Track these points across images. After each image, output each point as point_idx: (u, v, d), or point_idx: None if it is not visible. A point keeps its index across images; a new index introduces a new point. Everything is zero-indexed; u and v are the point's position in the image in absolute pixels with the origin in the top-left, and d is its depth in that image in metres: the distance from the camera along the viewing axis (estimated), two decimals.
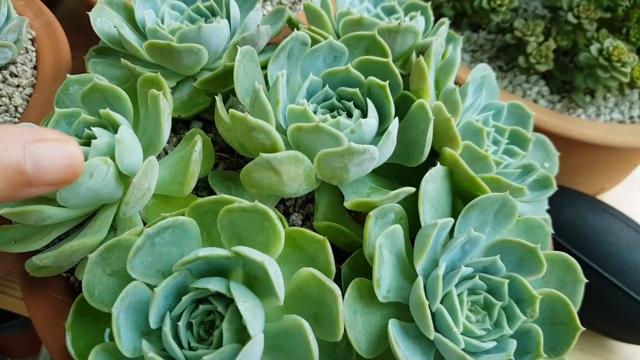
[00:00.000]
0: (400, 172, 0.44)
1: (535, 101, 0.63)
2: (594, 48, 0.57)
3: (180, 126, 0.49)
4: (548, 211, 0.51)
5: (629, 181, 0.82)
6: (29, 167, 0.25)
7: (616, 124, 0.62)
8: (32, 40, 0.56)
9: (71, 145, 0.27)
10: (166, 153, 0.45)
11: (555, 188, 0.46)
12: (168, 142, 0.47)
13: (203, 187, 0.43)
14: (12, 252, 0.37)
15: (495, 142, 0.47)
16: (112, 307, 0.31)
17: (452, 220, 0.36)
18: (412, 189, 0.38)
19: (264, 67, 0.45)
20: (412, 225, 0.40)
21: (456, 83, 0.48)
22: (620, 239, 0.59)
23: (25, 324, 0.96)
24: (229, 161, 0.45)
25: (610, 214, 0.61)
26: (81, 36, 0.60)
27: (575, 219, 0.60)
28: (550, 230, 0.43)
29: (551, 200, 0.55)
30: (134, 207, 0.36)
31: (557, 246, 0.60)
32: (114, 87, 0.40)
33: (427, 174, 0.38)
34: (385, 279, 0.34)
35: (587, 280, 0.39)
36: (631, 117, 0.64)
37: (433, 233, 0.34)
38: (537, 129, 0.59)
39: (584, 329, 0.36)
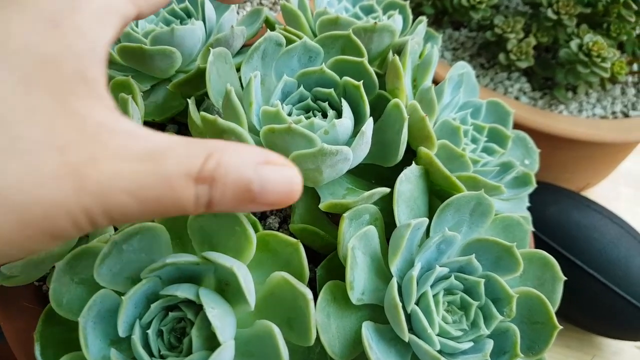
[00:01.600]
0: (378, 172, 0.43)
1: (517, 98, 0.63)
2: (573, 44, 0.57)
3: (155, 130, 0.48)
4: (531, 208, 0.51)
5: (616, 176, 0.82)
6: (256, 187, 0.26)
7: (599, 120, 0.62)
8: None
9: (294, 171, 0.28)
10: None
11: (534, 185, 0.46)
12: None
13: None
14: None
15: (474, 140, 0.46)
16: (79, 317, 0.31)
17: (426, 220, 0.36)
18: (387, 190, 0.37)
19: (238, 68, 0.44)
20: (389, 225, 0.39)
21: (436, 82, 0.47)
22: (604, 235, 0.59)
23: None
24: None
25: (594, 210, 0.61)
26: None
27: (559, 215, 0.60)
28: (529, 228, 0.42)
29: (535, 197, 0.55)
30: None
31: (540, 243, 0.60)
32: None
33: (401, 174, 0.38)
34: (359, 281, 0.34)
35: (565, 278, 0.39)
36: (614, 113, 0.64)
37: (407, 233, 0.34)
38: (519, 126, 0.58)
39: (562, 327, 0.36)
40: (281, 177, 0.28)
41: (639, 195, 0.84)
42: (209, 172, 0.25)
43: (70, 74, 0.25)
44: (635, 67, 0.66)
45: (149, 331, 0.31)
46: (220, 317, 0.30)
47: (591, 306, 0.59)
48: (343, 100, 0.40)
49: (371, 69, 0.41)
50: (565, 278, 0.38)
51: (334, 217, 0.42)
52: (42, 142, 0.23)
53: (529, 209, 0.50)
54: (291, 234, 0.40)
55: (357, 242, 0.34)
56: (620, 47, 0.66)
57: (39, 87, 0.23)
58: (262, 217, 0.43)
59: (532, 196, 0.51)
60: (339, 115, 0.40)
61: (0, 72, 0.23)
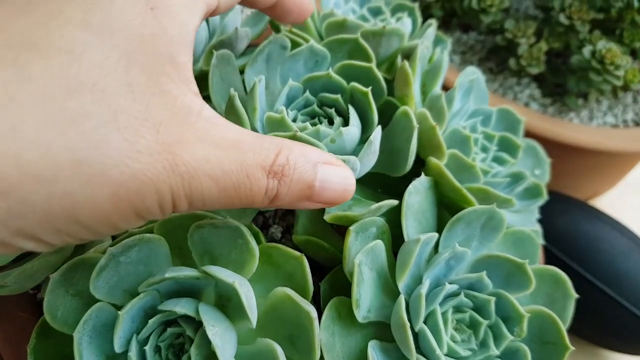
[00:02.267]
0: (385, 181, 0.42)
1: (526, 104, 0.62)
2: (586, 50, 0.56)
3: None
4: (540, 219, 0.49)
5: (623, 185, 0.81)
6: (317, 185, 0.29)
7: (609, 129, 0.61)
8: None
9: (349, 172, 0.31)
10: None
11: (545, 197, 0.45)
12: None
13: None
14: None
15: (484, 149, 0.45)
16: (74, 331, 0.29)
17: (436, 235, 0.35)
18: (395, 202, 0.36)
19: (242, 70, 0.43)
20: (397, 237, 0.38)
21: (445, 86, 0.46)
22: (614, 247, 0.57)
23: None
24: None
25: (603, 222, 0.60)
26: None
27: (568, 226, 0.59)
28: (540, 242, 0.41)
29: (543, 207, 0.53)
30: None
31: (549, 255, 0.59)
32: None
33: (410, 186, 0.36)
34: (365, 298, 0.33)
35: (577, 296, 0.37)
36: (625, 121, 0.63)
37: (416, 249, 0.33)
38: (528, 134, 0.57)
39: (574, 348, 0.35)
40: (338, 178, 0.30)
41: None
42: (279, 168, 0.27)
43: (164, 56, 0.25)
44: None
45: (147, 347, 0.30)
46: (221, 335, 0.29)
47: (599, 319, 0.57)
48: (350, 107, 0.39)
49: (379, 75, 0.40)
50: (577, 296, 0.37)
51: (338, 228, 0.41)
52: (140, 118, 0.23)
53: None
54: (294, 244, 0.39)
55: (363, 257, 0.32)
56: (633, 53, 0.65)
57: (137, 66, 0.24)
58: (265, 226, 0.42)
59: (540, 205, 0.50)
60: (345, 121, 0.39)
61: (104, 49, 0.24)
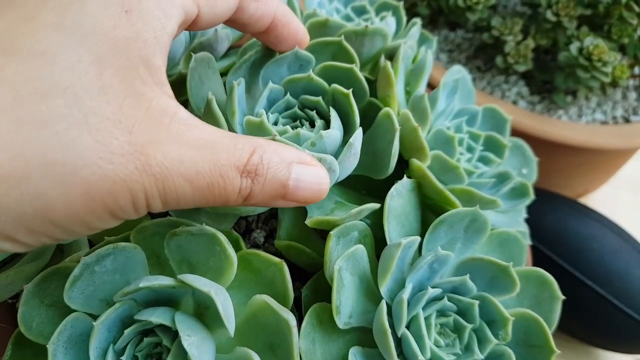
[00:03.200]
0: (369, 183, 0.42)
1: (514, 102, 0.61)
2: (573, 47, 0.55)
3: None
4: (529, 217, 0.49)
5: (616, 180, 0.80)
6: (290, 184, 0.29)
7: (598, 125, 0.60)
8: None
9: (323, 172, 0.31)
10: None
11: (532, 197, 0.44)
12: None
13: None
14: None
15: (470, 149, 0.45)
16: (49, 343, 0.29)
17: (418, 238, 0.34)
18: (377, 206, 0.35)
19: (224, 73, 0.42)
20: (381, 240, 0.37)
21: (432, 85, 0.45)
22: (604, 245, 0.57)
23: None
24: None
25: (593, 219, 0.59)
26: None
27: (557, 224, 0.58)
28: (526, 242, 0.41)
29: (532, 205, 0.53)
30: None
31: (538, 254, 0.58)
32: None
33: (392, 189, 0.36)
34: (346, 304, 0.32)
35: (564, 297, 0.37)
36: (614, 118, 0.62)
37: (397, 254, 0.32)
38: (516, 132, 0.57)
39: (559, 352, 0.34)
40: (312, 177, 0.30)
41: (638, 200, 0.82)
42: (253, 167, 0.28)
43: (137, 59, 0.26)
44: (637, 70, 0.64)
45: (123, 357, 0.29)
46: (197, 345, 0.28)
47: (589, 318, 0.57)
48: (332, 109, 0.38)
49: (361, 76, 0.39)
50: (564, 297, 0.37)
51: (322, 232, 0.40)
52: (112, 120, 0.24)
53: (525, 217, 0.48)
54: (277, 250, 0.38)
55: (344, 263, 0.32)
56: (622, 49, 0.64)
57: (110, 68, 0.24)
58: (247, 231, 0.41)
59: (529, 204, 0.49)
60: (327, 124, 0.38)
61: (77, 51, 0.24)
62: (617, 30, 0.59)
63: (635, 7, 0.55)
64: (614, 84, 0.58)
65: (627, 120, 0.62)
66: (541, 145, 0.56)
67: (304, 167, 0.30)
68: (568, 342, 0.64)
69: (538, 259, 0.55)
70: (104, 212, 0.24)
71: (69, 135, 0.23)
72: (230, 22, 0.36)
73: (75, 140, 0.23)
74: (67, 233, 0.25)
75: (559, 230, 0.58)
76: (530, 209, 0.51)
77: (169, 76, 0.44)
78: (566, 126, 0.58)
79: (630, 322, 0.55)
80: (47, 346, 0.29)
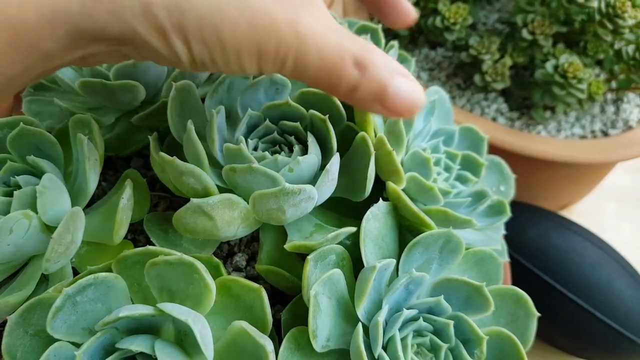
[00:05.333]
0: (350, 205, 0.42)
1: (494, 119, 0.62)
2: (549, 65, 0.56)
3: (121, 163, 0.47)
4: (510, 231, 0.50)
5: (599, 191, 0.82)
6: (391, 90, 0.32)
7: (577, 140, 0.62)
8: None
9: (421, 90, 0.33)
10: (105, 193, 0.43)
11: (509, 214, 0.45)
12: (107, 182, 0.45)
13: (141, 230, 0.41)
14: None
15: (447, 169, 0.46)
16: None
17: (393, 261, 0.35)
18: (353, 229, 0.36)
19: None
20: (359, 261, 0.38)
21: None
22: (585, 258, 0.58)
23: None
24: (170, 200, 0.44)
25: (574, 232, 0.60)
26: None
27: (538, 238, 0.59)
28: (502, 260, 0.41)
29: (513, 219, 0.53)
30: (57, 262, 0.34)
31: (520, 268, 0.59)
32: (41, 132, 0.38)
33: (368, 212, 0.37)
34: (323, 328, 0.33)
35: (539, 314, 0.38)
36: (592, 132, 0.64)
37: (372, 277, 0.33)
38: (496, 149, 0.58)
39: None
40: (411, 90, 0.32)
41: (623, 210, 0.83)
42: (364, 61, 0.30)
43: None
44: (613, 84, 0.65)
45: None
46: None
47: (573, 330, 0.58)
48: (309, 135, 0.39)
49: (338, 101, 0.40)
50: (539, 314, 0.37)
51: (303, 255, 0.41)
52: None
53: (507, 231, 0.49)
54: (258, 274, 0.39)
55: (320, 287, 0.33)
56: (600, 63, 0.66)
57: None
58: (230, 254, 0.42)
59: (510, 218, 0.50)
60: (306, 148, 0.39)
61: None
62: (593, 46, 0.60)
63: (609, 25, 0.56)
64: (591, 99, 0.59)
65: (605, 134, 0.64)
66: (522, 161, 0.57)
67: (405, 79, 0.32)
68: (554, 355, 0.65)
69: (520, 273, 0.56)
70: (254, 50, 0.28)
71: None
72: None
73: None
74: (222, 55, 0.28)
75: (541, 244, 0.59)
76: (512, 223, 0.52)
77: (153, 102, 0.45)
78: (545, 141, 0.60)
79: (613, 333, 0.56)
80: None
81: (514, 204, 0.56)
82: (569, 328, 0.57)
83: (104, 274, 0.31)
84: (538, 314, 0.38)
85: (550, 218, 0.62)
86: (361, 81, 0.31)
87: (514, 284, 0.41)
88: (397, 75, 0.32)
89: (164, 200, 0.43)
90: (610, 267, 0.57)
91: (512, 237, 0.57)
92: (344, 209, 0.43)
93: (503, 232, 0.48)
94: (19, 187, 0.36)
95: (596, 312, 0.55)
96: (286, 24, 0.27)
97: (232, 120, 0.42)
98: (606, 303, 0.55)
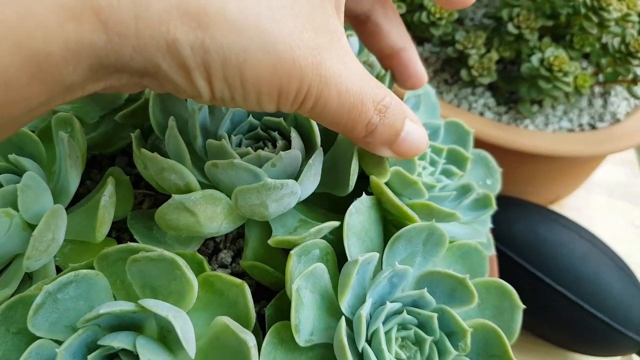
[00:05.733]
0: (333, 200, 0.42)
1: (481, 113, 0.62)
2: (535, 58, 0.56)
3: (106, 162, 0.47)
4: (498, 224, 0.50)
5: (589, 185, 0.82)
6: (402, 135, 0.34)
7: (564, 133, 0.62)
8: None
9: (426, 134, 0.36)
10: (89, 191, 0.43)
11: (494, 207, 0.45)
12: (93, 180, 0.45)
13: (125, 229, 0.41)
14: None
15: (433, 163, 0.46)
16: None
17: (376, 254, 0.35)
18: (337, 223, 0.36)
19: None
20: (343, 256, 0.38)
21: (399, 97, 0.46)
22: (573, 251, 0.58)
23: None
24: (154, 198, 0.43)
25: (562, 225, 0.60)
26: None
27: (526, 232, 0.59)
28: (488, 253, 0.42)
29: (501, 213, 0.54)
30: (39, 260, 0.34)
31: (508, 261, 0.59)
32: (24, 131, 0.38)
33: (351, 206, 0.37)
34: (306, 322, 0.33)
35: (524, 306, 0.38)
36: (580, 125, 0.64)
37: (354, 271, 0.33)
38: (483, 143, 0.58)
39: None
40: (418, 135, 0.35)
41: (612, 203, 0.84)
42: (384, 107, 0.32)
43: None
44: (601, 77, 0.65)
45: None
46: None
47: (562, 323, 0.58)
48: (293, 130, 0.39)
49: None
50: (524, 306, 0.38)
51: (289, 250, 0.41)
52: (307, 16, 0.28)
53: (495, 225, 0.49)
54: (243, 270, 0.39)
55: (303, 282, 0.33)
56: (587, 57, 0.66)
57: None
58: (215, 251, 0.42)
59: (498, 212, 0.50)
60: (289, 144, 0.39)
61: None
62: (579, 40, 0.60)
63: (594, 18, 0.57)
64: (578, 92, 0.59)
65: (593, 127, 0.64)
66: (509, 155, 0.57)
67: (414, 125, 0.35)
68: (544, 347, 0.65)
69: (508, 266, 0.56)
70: (275, 91, 0.28)
71: (279, 13, 0.26)
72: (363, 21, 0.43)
73: (283, 18, 0.26)
74: (242, 94, 0.28)
75: (529, 238, 0.59)
76: (500, 217, 0.52)
77: (135, 100, 0.45)
78: (533, 135, 0.60)
79: (601, 325, 0.56)
80: None
81: (502, 198, 0.56)
82: (558, 320, 0.57)
83: (84, 270, 0.31)
84: (523, 306, 0.38)
85: (538, 211, 0.62)
86: (378, 127, 0.32)
87: (502, 277, 0.41)
88: (407, 121, 0.34)
89: (148, 198, 0.43)
90: (598, 260, 0.58)
91: (500, 231, 0.58)
92: (329, 204, 0.43)
93: (490, 225, 0.48)
94: (0, 185, 0.36)
95: (584, 304, 0.56)
96: (310, 67, 0.28)
97: (215, 116, 0.42)
98: (594, 295, 0.56)
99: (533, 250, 0.58)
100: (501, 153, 0.50)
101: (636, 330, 0.56)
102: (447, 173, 0.46)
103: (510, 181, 0.56)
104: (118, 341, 0.30)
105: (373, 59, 0.48)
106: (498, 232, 0.51)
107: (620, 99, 0.67)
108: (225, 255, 0.41)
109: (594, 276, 0.56)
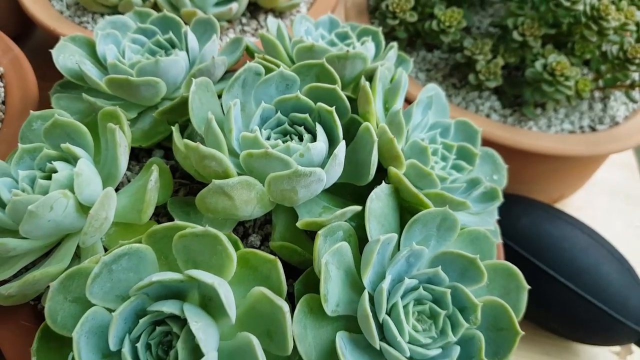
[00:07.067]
0: (353, 190, 0.46)
1: (487, 116, 0.66)
2: (538, 64, 0.60)
3: (142, 154, 0.51)
4: (504, 220, 0.53)
5: (590, 186, 0.85)
6: None
7: (566, 134, 0.66)
8: (0, 77, 0.58)
9: None
10: (129, 181, 0.47)
11: (501, 199, 0.49)
12: (130, 171, 0.49)
13: (164, 213, 0.45)
14: None
15: (444, 158, 0.49)
16: (73, 332, 0.33)
17: (395, 235, 0.39)
18: (359, 208, 0.40)
19: (221, 95, 0.47)
20: (364, 240, 0.42)
21: (411, 102, 0.50)
22: (574, 244, 0.62)
23: None
24: (189, 187, 0.47)
25: (564, 221, 0.64)
26: (53, 68, 0.62)
27: (530, 227, 0.63)
28: (496, 240, 0.45)
29: (507, 209, 0.57)
30: (93, 237, 0.38)
31: (513, 254, 0.63)
32: (74, 122, 0.42)
33: (372, 193, 0.41)
34: (333, 294, 0.36)
35: (529, 287, 0.41)
36: (581, 127, 0.67)
37: (376, 248, 0.37)
38: (489, 142, 0.61)
39: (524, 333, 0.38)
40: None
41: (613, 204, 0.87)
42: None
43: None
44: (600, 83, 0.69)
45: (138, 345, 0.34)
46: (204, 329, 0.32)
47: (565, 314, 0.61)
48: (317, 125, 0.43)
49: (343, 95, 0.44)
50: (530, 287, 0.41)
51: (312, 234, 0.45)
52: None
53: (501, 221, 0.53)
54: (272, 251, 0.42)
55: (330, 257, 0.36)
56: (587, 64, 0.70)
57: None
58: (244, 236, 0.46)
59: (505, 209, 0.53)
60: (314, 138, 0.43)
61: None
62: (580, 47, 0.64)
63: (594, 27, 0.60)
64: (579, 96, 0.63)
65: (593, 129, 0.67)
66: (514, 155, 0.61)
67: None
68: (548, 338, 0.69)
69: (514, 259, 0.59)
70: None
71: None
72: None
73: None
74: None
75: (533, 232, 0.63)
76: (506, 213, 0.55)
77: (172, 99, 0.49)
78: (536, 136, 0.63)
79: (601, 314, 0.59)
80: (73, 334, 0.33)
81: (508, 196, 0.59)
82: (560, 310, 0.61)
83: (137, 244, 0.35)
84: (529, 287, 0.41)
85: (542, 208, 0.66)
86: None
87: None
88: None
89: (184, 187, 0.47)
90: (598, 253, 0.61)
91: (507, 226, 0.61)
92: (348, 194, 0.47)
93: (496, 217, 0.51)
94: (53, 172, 0.40)
95: (585, 294, 0.59)
96: None
97: (246, 112, 0.46)
98: (595, 286, 0.59)
99: (537, 244, 0.62)
100: (507, 153, 0.54)
101: (634, 320, 0.59)
102: (457, 168, 0.49)
103: (516, 181, 0.60)
104: (167, 307, 0.33)
105: (389, 63, 0.52)
106: (504, 227, 0.55)
107: (619, 104, 0.71)
108: (255, 239, 0.45)
109: (594, 268, 0.60)
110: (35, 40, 0.89)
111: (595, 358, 0.69)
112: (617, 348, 0.69)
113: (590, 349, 0.69)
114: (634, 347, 0.68)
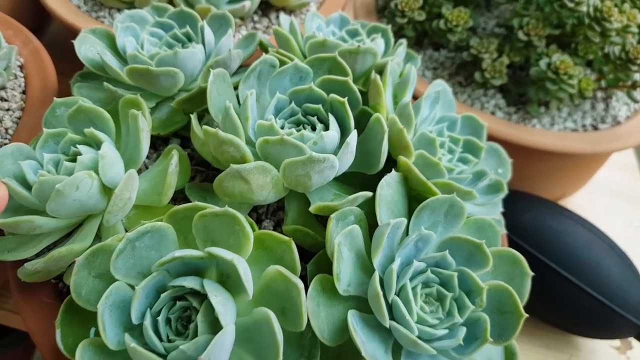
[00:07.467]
0: (363, 180, 0.48)
1: (492, 113, 0.68)
2: (542, 63, 0.62)
3: (159, 143, 0.52)
4: (508, 215, 0.55)
5: (591, 186, 0.87)
6: None
7: (569, 132, 0.67)
8: (21, 67, 0.60)
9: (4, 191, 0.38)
10: (147, 168, 0.49)
11: (506, 191, 0.50)
12: (148, 158, 0.50)
13: (181, 198, 0.47)
14: (5, 260, 0.40)
15: (450, 151, 0.51)
16: (98, 304, 0.34)
17: (405, 220, 0.40)
18: (370, 194, 0.42)
19: (236, 87, 0.49)
20: (373, 227, 0.43)
21: (418, 97, 0.52)
22: (576, 239, 0.63)
23: (17, 342, 0.98)
24: (205, 174, 0.49)
25: (566, 217, 0.66)
26: (67, 62, 0.64)
27: (534, 222, 0.65)
28: (500, 230, 0.47)
29: (511, 205, 0.59)
30: (116, 216, 0.39)
31: (517, 248, 0.64)
32: (97, 109, 0.44)
33: (382, 180, 0.42)
34: (345, 273, 0.38)
35: (533, 274, 0.43)
36: (584, 126, 0.69)
37: (387, 231, 0.38)
38: (494, 139, 0.63)
39: (527, 315, 0.40)
40: None
41: (614, 204, 0.89)
42: None
43: None
44: (603, 83, 0.71)
45: (159, 318, 0.35)
46: (223, 303, 0.34)
47: (566, 307, 0.63)
48: (330, 115, 0.45)
49: (355, 87, 0.46)
50: (533, 274, 0.42)
51: (322, 220, 0.47)
52: None
53: (506, 215, 0.54)
54: (285, 235, 0.44)
55: (342, 239, 0.38)
56: (590, 64, 0.72)
57: None
58: (258, 221, 0.47)
59: (509, 204, 0.55)
60: (326, 128, 0.45)
61: None
62: (583, 47, 0.66)
63: (597, 28, 0.62)
64: (581, 94, 0.65)
65: (595, 128, 0.69)
66: (518, 151, 0.62)
67: None
68: (549, 332, 0.70)
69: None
70: None
71: None
72: None
73: None
74: None
75: (536, 227, 0.64)
76: (510, 208, 0.57)
77: (188, 90, 0.51)
78: (539, 133, 0.65)
79: (603, 308, 0.61)
80: (97, 306, 0.34)
81: (513, 192, 0.61)
82: (563, 304, 0.62)
83: (159, 223, 0.37)
84: (532, 274, 0.43)
85: (545, 204, 0.68)
86: None
87: None
88: None
89: (200, 174, 0.49)
90: (599, 247, 0.63)
91: (510, 221, 0.63)
92: (358, 183, 0.49)
93: (501, 209, 0.53)
94: (77, 155, 0.42)
95: (587, 287, 0.61)
96: None
97: (260, 102, 0.47)
98: (596, 279, 0.61)
99: (540, 238, 0.63)
100: (511, 150, 0.55)
101: (634, 313, 0.61)
102: (463, 160, 0.51)
103: (520, 178, 0.62)
104: (188, 282, 0.35)
105: (398, 59, 0.54)
106: (508, 222, 0.56)
107: (621, 104, 0.73)
108: (268, 224, 0.46)
109: (596, 262, 0.62)
110: (49, 36, 0.91)
111: (595, 352, 0.70)
112: (617, 342, 0.70)
113: (591, 342, 0.71)
114: (634, 341, 0.69)
